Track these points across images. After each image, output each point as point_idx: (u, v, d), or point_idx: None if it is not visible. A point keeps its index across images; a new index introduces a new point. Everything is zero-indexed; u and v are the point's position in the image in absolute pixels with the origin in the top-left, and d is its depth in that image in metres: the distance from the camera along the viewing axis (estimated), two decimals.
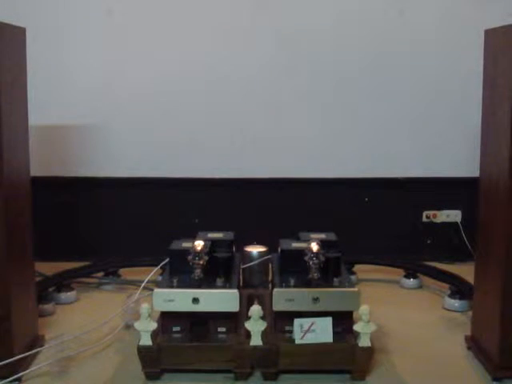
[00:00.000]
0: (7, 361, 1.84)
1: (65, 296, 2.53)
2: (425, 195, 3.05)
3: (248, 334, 1.91)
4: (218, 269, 2.01)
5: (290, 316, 1.92)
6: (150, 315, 1.89)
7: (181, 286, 1.94)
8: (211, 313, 1.93)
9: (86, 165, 2.99)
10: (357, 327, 1.89)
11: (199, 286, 1.93)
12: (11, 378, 1.84)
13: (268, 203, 3.02)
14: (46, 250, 2.50)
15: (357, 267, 2.79)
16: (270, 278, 2.28)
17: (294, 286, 1.94)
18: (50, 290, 2.53)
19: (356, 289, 1.94)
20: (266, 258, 2.32)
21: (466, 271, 2.54)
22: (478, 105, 2.03)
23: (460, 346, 2.14)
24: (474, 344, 2.08)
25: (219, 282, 1.96)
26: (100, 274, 2.74)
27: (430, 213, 3.05)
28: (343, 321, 1.94)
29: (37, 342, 2.07)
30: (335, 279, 1.97)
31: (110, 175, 2.99)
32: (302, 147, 3.00)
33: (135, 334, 1.95)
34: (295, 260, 1.99)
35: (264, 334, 1.90)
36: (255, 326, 1.89)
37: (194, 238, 2.10)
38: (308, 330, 1.89)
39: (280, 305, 1.92)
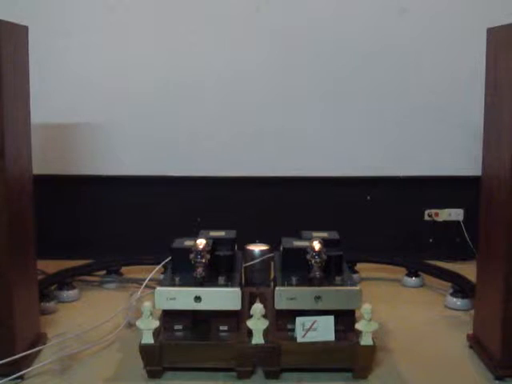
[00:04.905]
0: (9, 359, 1.84)
1: (67, 294, 2.54)
2: (427, 194, 3.05)
3: (250, 333, 1.91)
4: (219, 267, 2.01)
5: (291, 314, 1.93)
6: (151, 313, 1.89)
7: (183, 284, 1.94)
8: (213, 311, 1.93)
9: (88, 163, 2.99)
10: (359, 326, 1.89)
11: (201, 285, 1.93)
12: (13, 376, 1.85)
13: (270, 202, 3.02)
14: (48, 248, 2.50)
15: (359, 266, 2.79)
16: (271, 276, 2.28)
17: (296, 285, 1.94)
18: (52, 288, 2.53)
19: (358, 287, 1.94)
20: (267, 256, 2.32)
21: (467, 270, 2.54)
22: (481, 103, 2.03)
23: (462, 344, 2.14)
24: (475, 343, 2.08)
25: (221, 280, 1.96)
26: (102, 273, 2.74)
27: (432, 211, 3.04)
28: (345, 319, 1.94)
29: (39, 340, 2.07)
30: (337, 278, 1.98)
31: (111, 173, 2.99)
32: (304, 146, 3.00)
33: (137, 333, 1.95)
34: (297, 258, 2.00)
35: (266, 333, 1.90)
36: (257, 325, 1.89)
37: (196, 236, 2.10)
38: (310, 329, 1.89)
39: (282, 303, 1.92)
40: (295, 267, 2.00)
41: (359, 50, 2.94)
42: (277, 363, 1.90)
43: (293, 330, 1.92)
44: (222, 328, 1.96)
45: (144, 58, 2.93)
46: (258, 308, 1.89)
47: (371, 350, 1.90)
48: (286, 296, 1.92)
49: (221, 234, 2.21)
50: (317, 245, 1.96)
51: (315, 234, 2.16)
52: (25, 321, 1.95)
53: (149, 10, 2.91)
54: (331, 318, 1.91)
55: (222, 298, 1.92)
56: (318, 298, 1.91)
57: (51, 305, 2.41)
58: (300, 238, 2.17)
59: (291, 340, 1.91)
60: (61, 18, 2.90)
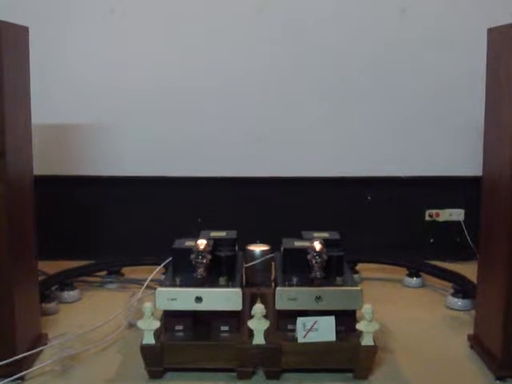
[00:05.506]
0: (10, 359, 1.84)
1: (68, 295, 2.54)
2: (427, 194, 3.05)
3: (251, 333, 1.91)
4: (220, 268, 2.01)
5: (292, 315, 1.92)
6: (152, 314, 1.89)
7: (184, 284, 1.94)
8: (214, 312, 1.93)
9: (89, 164, 3.00)
10: (360, 326, 1.89)
11: (202, 285, 1.93)
12: (14, 377, 1.85)
13: (271, 202, 3.02)
14: (48, 248, 2.50)
15: (360, 266, 2.79)
16: (272, 276, 2.28)
17: (297, 285, 1.94)
18: (53, 288, 2.53)
19: (359, 287, 1.94)
20: (268, 256, 2.32)
21: (468, 270, 2.53)
22: (481, 103, 2.03)
23: (463, 344, 2.14)
24: (476, 343, 2.07)
25: (222, 280, 1.96)
26: (103, 273, 2.74)
27: (433, 212, 3.04)
28: (346, 320, 1.94)
29: (40, 340, 2.07)
30: (338, 278, 1.97)
31: (112, 174, 2.99)
32: (305, 146, 3.00)
33: (138, 333, 1.95)
34: (298, 259, 2.00)
35: (267, 333, 1.90)
36: (258, 325, 1.89)
37: (196, 236, 2.10)
38: (311, 329, 1.89)
39: (283, 303, 1.92)
40: (296, 267, 1.99)
41: (360, 51, 2.94)
42: (277, 364, 1.90)
43: (294, 330, 1.92)
44: (222, 328, 1.96)
45: (144, 59, 2.93)
46: (258, 308, 1.89)
47: (372, 350, 1.90)
48: (286, 296, 1.92)
49: (221, 234, 2.21)
50: (318, 245, 1.96)
51: (316, 234, 2.16)
52: (26, 321, 1.95)
53: (149, 12, 2.91)
54: (332, 319, 1.91)
55: (223, 298, 1.92)
56: (318, 298, 1.91)
57: (52, 305, 2.41)
58: (301, 238, 2.17)
59: (292, 340, 1.91)
60: (61, 18, 2.90)
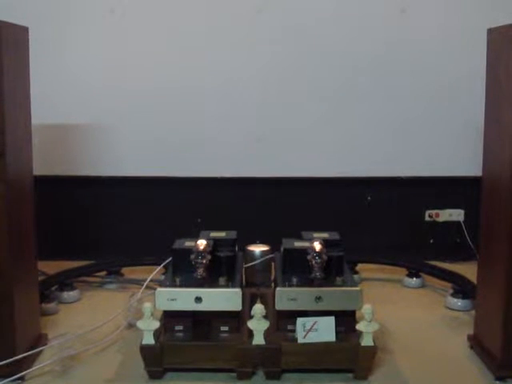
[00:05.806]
0: (10, 359, 1.84)
1: (67, 295, 2.54)
2: (427, 194, 3.05)
3: (251, 333, 1.91)
4: (220, 268, 2.01)
5: (292, 315, 1.92)
6: (152, 314, 1.89)
7: (183, 285, 1.94)
8: (214, 312, 1.93)
9: (89, 164, 2.99)
10: (359, 326, 1.89)
11: (202, 285, 1.93)
12: (14, 377, 1.85)
13: (270, 202, 3.02)
14: (48, 248, 2.50)
15: (359, 266, 2.79)
16: (272, 277, 2.28)
17: (297, 285, 1.94)
18: (53, 288, 2.53)
19: (359, 288, 1.94)
20: (268, 257, 2.32)
21: (468, 270, 2.54)
22: (481, 103, 2.03)
23: (462, 345, 2.14)
24: (476, 343, 2.07)
25: (222, 281, 1.96)
26: (103, 273, 2.74)
27: (433, 212, 3.04)
28: (346, 320, 1.94)
29: (40, 340, 2.07)
30: (338, 278, 1.97)
31: (112, 174, 2.99)
32: (305, 146, 3.00)
33: (138, 333, 1.95)
34: (298, 259, 2.00)
35: (267, 334, 1.90)
36: (258, 325, 1.89)
37: (196, 237, 2.10)
38: (311, 330, 1.89)
39: (282, 304, 1.92)
40: (296, 268, 1.99)
41: (360, 51, 2.94)
42: (277, 364, 1.90)
43: (293, 330, 1.92)
44: (222, 329, 1.96)
45: (144, 59, 2.93)
46: (258, 309, 1.89)
47: (372, 350, 1.90)
48: (286, 296, 1.91)
49: (221, 234, 2.21)
50: (317, 245, 1.96)
51: (316, 234, 2.15)
52: (25, 321, 1.95)
53: (149, 12, 2.91)
54: (332, 319, 1.91)
55: (223, 298, 1.92)
56: (318, 298, 1.91)
57: (52, 306, 2.41)
58: (301, 238, 2.17)
59: (292, 341, 1.91)
60: (61, 18, 2.89)
